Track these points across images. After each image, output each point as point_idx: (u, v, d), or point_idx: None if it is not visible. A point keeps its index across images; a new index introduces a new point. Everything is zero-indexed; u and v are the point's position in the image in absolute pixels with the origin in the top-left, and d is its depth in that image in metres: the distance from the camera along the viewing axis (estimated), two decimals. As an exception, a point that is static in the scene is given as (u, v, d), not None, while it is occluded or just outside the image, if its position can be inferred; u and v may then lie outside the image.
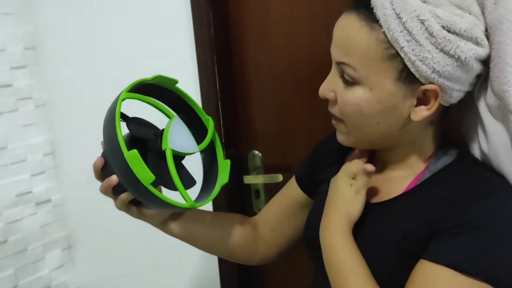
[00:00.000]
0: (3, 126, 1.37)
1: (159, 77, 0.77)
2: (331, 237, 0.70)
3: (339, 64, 0.67)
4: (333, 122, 0.73)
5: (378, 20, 0.62)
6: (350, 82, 0.66)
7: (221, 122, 1.25)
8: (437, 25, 0.60)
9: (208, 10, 1.17)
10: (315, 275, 0.83)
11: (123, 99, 0.74)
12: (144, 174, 0.68)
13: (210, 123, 0.81)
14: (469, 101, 0.70)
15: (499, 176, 0.67)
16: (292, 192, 0.93)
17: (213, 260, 1.37)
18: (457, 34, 0.60)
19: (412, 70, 0.62)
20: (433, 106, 0.65)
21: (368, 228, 0.72)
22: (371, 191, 0.75)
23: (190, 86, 1.25)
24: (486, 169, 0.69)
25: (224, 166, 0.83)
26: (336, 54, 0.68)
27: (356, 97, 0.66)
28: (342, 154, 0.85)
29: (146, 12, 1.27)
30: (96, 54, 1.38)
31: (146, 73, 1.31)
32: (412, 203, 0.68)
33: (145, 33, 1.28)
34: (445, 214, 0.63)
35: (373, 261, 0.69)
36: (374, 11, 0.62)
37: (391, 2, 0.61)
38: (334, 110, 0.71)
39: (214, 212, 1.01)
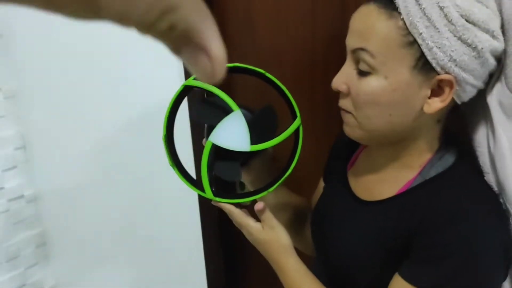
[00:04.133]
0: (-30, 119, 1.30)
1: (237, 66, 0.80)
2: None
3: (355, 51, 0.66)
4: (342, 114, 0.73)
5: (397, 7, 0.62)
6: (364, 72, 0.66)
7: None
8: (456, 13, 0.60)
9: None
10: (315, 261, 0.87)
11: (185, 86, 0.78)
12: (168, 157, 0.78)
13: (293, 125, 0.80)
14: (479, 100, 0.70)
15: (486, 193, 0.68)
16: (320, 186, 0.95)
17: (199, 254, 1.36)
18: (474, 24, 0.61)
19: (429, 57, 0.62)
20: (447, 97, 0.65)
21: (356, 224, 0.75)
22: (365, 189, 0.78)
23: (175, 78, 1.22)
24: (476, 183, 0.69)
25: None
26: (353, 42, 0.67)
27: (372, 87, 0.66)
28: (354, 147, 0.86)
29: None
30: (67, 43, 1.31)
31: (122, 63, 1.28)
32: (398, 207, 0.70)
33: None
34: (421, 227, 0.65)
35: (354, 255, 0.73)
36: None
37: None
38: (344, 103, 0.71)
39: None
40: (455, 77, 0.63)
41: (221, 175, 0.77)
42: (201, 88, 0.77)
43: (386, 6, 0.63)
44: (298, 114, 0.80)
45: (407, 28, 0.62)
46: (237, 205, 0.78)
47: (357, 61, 0.67)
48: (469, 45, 0.62)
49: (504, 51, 0.65)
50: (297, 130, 0.80)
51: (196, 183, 0.79)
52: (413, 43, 0.62)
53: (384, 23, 0.63)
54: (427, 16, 0.61)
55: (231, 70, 0.80)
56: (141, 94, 1.28)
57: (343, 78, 0.69)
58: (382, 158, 0.76)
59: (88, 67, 1.31)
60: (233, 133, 0.75)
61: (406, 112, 0.67)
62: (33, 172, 1.49)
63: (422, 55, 0.63)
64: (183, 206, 1.33)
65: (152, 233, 1.41)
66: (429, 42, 0.61)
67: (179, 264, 1.41)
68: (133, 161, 1.35)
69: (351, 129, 0.72)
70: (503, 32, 0.65)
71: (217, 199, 0.77)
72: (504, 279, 0.67)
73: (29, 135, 1.46)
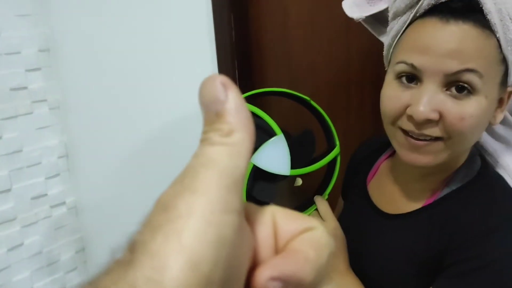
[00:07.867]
0: (18, 129, 1.37)
1: (284, 91, 0.82)
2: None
3: (457, 73, 0.61)
4: (421, 143, 0.65)
5: (493, 25, 0.61)
6: (462, 94, 0.62)
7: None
8: None
9: (229, 14, 1.17)
10: None
11: None
12: None
13: (330, 155, 0.81)
14: None
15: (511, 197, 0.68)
16: (340, 204, 0.95)
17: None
18: None
19: None
20: (505, 107, 0.66)
21: (383, 238, 0.74)
22: (389, 202, 0.77)
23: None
24: (500, 190, 0.69)
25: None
26: (452, 64, 0.61)
27: (476, 108, 0.62)
28: (372, 160, 0.85)
29: (165, 15, 1.25)
30: (112, 56, 1.36)
31: (164, 78, 1.32)
32: (426, 220, 0.69)
33: (163, 36, 1.27)
34: (454, 242, 0.64)
35: (384, 271, 0.72)
36: (489, 17, 0.61)
37: (506, 7, 0.61)
38: (434, 131, 0.64)
39: None
40: None
41: (258, 196, 0.79)
42: None
43: (483, 24, 0.61)
44: (337, 142, 0.81)
45: (500, 46, 0.62)
46: None
47: (449, 84, 0.63)
48: None
49: None
50: (334, 158, 0.81)
51: None
52: (503, 60, 0.63)
53: (485, 42, 0.61)
54: None
55: (273, 94, 0.82)
56: (180, 104, 1.31)
57: (433, 105, 0.62)
58: (409, 170, 0.75)
59: (128, 79, 1.36)
60: (275, 156, 0.77)
61: (484, 129, 0.68)
62: (75, 180, 1.55)
63: (506, 71, 0.64)
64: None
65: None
66: None
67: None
68: (173, 170, 1.37)
69: (435, 156, 0.66)
70: None
71: None
72: None
73: (72, 144, 1.52)
